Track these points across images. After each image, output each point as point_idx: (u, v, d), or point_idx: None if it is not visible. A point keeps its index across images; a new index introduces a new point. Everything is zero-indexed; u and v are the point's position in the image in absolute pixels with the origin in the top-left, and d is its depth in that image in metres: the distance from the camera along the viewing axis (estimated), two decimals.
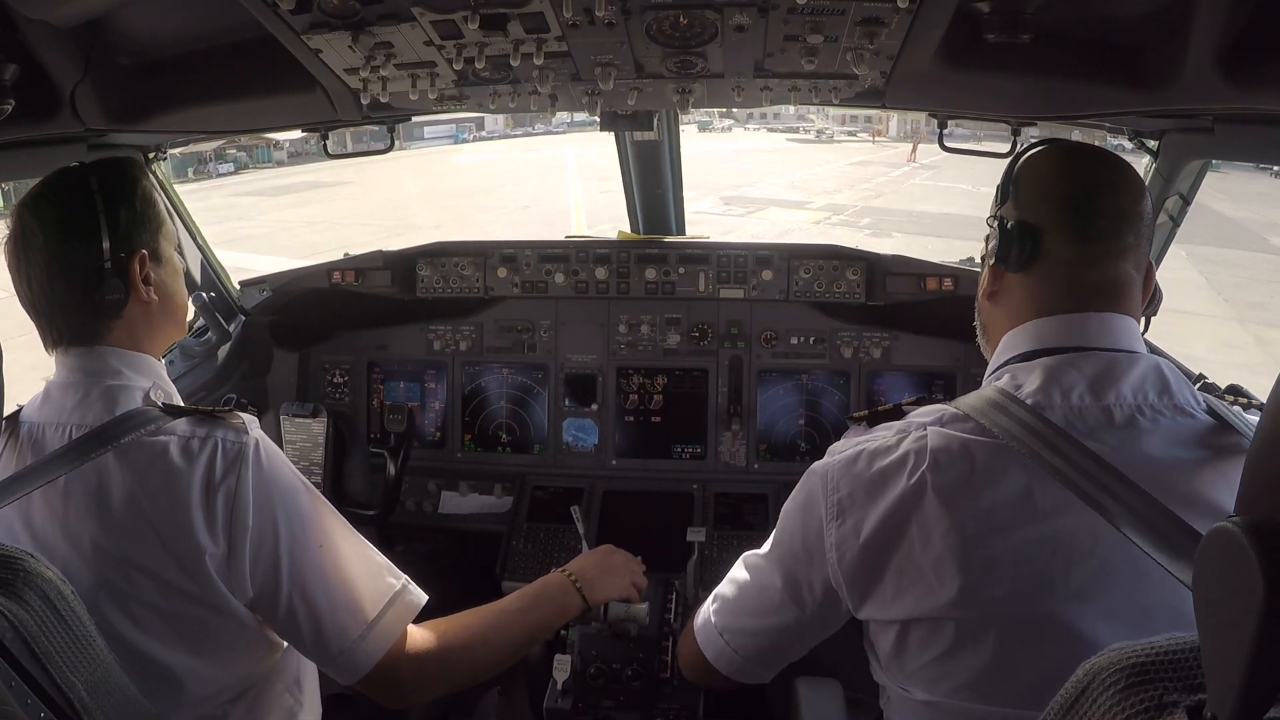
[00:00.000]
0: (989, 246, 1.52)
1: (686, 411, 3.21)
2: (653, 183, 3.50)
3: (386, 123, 2.50)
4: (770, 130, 62.47)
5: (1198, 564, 0.74)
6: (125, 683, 1.40)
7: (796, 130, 59.31)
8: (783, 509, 1.61)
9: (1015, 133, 2.39)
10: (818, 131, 56.67)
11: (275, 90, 2.01)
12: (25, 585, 1.27)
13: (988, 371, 1.53)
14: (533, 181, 34.21)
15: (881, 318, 3.14)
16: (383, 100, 1.88)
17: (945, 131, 2.48)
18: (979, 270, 1.61)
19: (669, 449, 3.21)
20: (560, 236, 3.40)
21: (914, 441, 1.38)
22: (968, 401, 1.39)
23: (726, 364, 3.19)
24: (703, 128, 62.42)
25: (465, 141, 54.65)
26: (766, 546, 1.66)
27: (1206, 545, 0.72)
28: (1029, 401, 1.33)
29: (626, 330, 3.23)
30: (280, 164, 42.53)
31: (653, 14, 1.58)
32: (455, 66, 1.76)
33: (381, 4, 1.52)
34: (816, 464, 1.52)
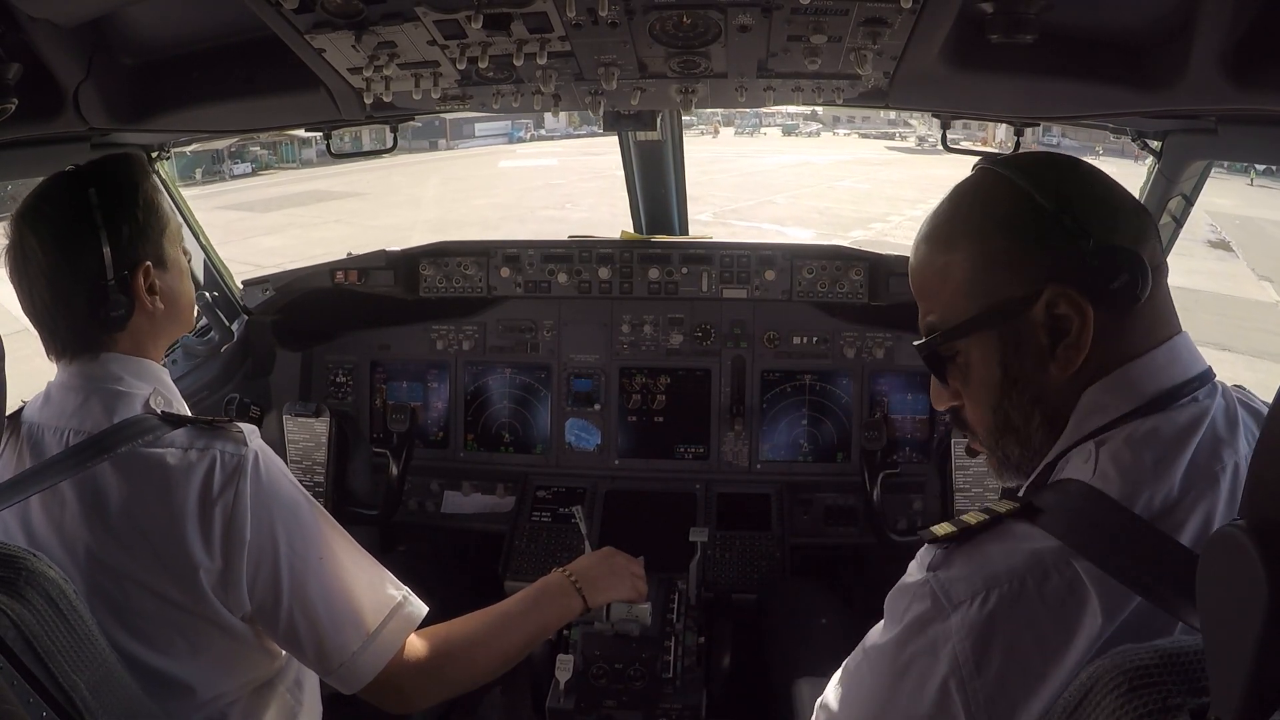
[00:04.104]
0: (1098, 281, 1.12)
1: (689, 412, 3.21)
2: (655, 183, 3.49)
3: (390, 122, 2.50)
4: (862, 136, 56.84)
5: (1202, 567, 0.73)
6: (128, 682, 1.40)
7: (892, 136, 52.79)
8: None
9: (1019, 133, 2.39)
10: (918, 139, 48.18)
11: (278, 90, 2.01)
12: (27, 584, 1.27)
13: (1058, 448, 1.18)
14: (589, 200, 27.05)
15: (884, 318, 3.14)
16: (386, 100, 1.88)
17: (949, 132, 2.49)
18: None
19: (671, 449, 3.21)
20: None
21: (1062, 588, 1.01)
22: (1079, 530, 1.03)
23: (729, 364, 3.19)
24: (787, 130, 58.23)
25: (521, 141, 49.78)
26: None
27: (1210, 548, 0.72)
28: (1167, 517, 1.02)
29: (629, 330, 3.23)
30: (308, 164, 38.06)
31: (656, 14, 1.58)
32: (459, 66, 1.76)
33: (384, 3, 1.52)
34: (938, 628, 1.06)
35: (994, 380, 1.20)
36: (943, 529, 1.11)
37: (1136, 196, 2.72)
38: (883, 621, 1.18)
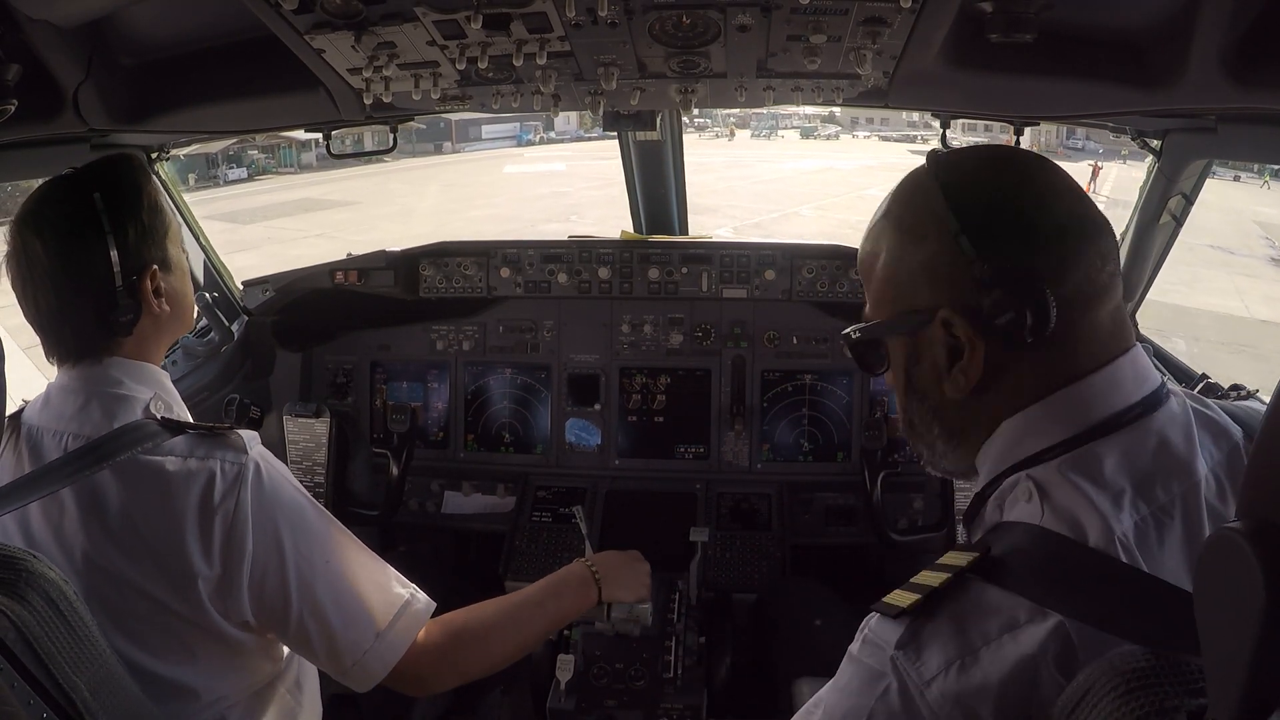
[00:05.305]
0: (986, 314, 1.04)
1: (689, 411, 3.21)
2: (655, 182, 3.49)
3: (390, 123, 2.50)
4: (882, 139, 54.35)
5: (1199, 568, 0.73)
6: (128, 683, 1.40)
7: (914, 140, 48.99)
8: None
9: (1018, 132, 2.39)
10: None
11: (278, 90, 2.01)
12: (28, 586, 1.27)
13: (982, 479, 1.14)
14: (597, 210, 24.96)
15: None
16: (386, 100, 1.88)
17: (948, 131, 2.49)
18: None
19: (672, 449, 3.21)
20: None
21: (1043, 638, 0.94)
22: (1045, 582, 0.95)
23: (729, 364, 3.19)
24: (805, 133, 57.16)
25: (529, 144, 48.42)
26: None
27: (1208, 550, 0.71)
28: (1119, 551, 0.95)
29: (629, 330, 3.23)
30: (307, 168, 36.95)
31: (655, 14, 1.58)
32: (458, 66, 1.76)
33: (384, 4, 1.52)
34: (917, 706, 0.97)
35: (900, 383, 1.20)
36: (900, 598, 1.02)
37: (1139, 196, 2.69)
38: (830, 693, 1.08)
